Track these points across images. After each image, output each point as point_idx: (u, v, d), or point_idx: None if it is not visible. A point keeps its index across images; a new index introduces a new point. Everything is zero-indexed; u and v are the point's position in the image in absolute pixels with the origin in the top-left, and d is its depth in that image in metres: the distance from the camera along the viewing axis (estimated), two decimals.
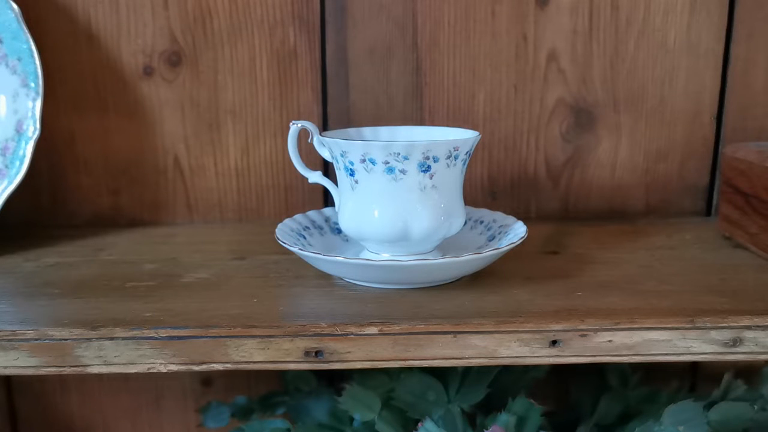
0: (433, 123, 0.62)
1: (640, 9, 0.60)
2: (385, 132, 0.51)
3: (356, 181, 0.45)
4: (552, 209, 0.64)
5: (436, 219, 0.45)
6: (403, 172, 0.43)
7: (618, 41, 0.61)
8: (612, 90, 0.62)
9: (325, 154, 0.48)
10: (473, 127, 0.61)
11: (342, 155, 0.45)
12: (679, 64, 0.62)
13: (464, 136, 0.46)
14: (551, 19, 0.60)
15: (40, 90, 0.55)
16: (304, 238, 0.50)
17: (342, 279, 0.47)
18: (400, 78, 0.61)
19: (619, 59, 0.61)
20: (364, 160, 0.44)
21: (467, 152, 0.46)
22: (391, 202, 0.44)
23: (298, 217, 0.52)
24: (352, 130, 0.51)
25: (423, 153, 0.43)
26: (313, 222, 0.52)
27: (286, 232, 0.49)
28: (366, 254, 0.48)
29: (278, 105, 0.62)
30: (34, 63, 0.55)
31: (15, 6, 0.55)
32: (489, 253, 0.44)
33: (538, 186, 0.64)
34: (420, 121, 0.62)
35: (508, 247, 0.45)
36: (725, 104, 0.62)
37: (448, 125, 0.62)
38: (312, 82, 0.61)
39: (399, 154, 0.43)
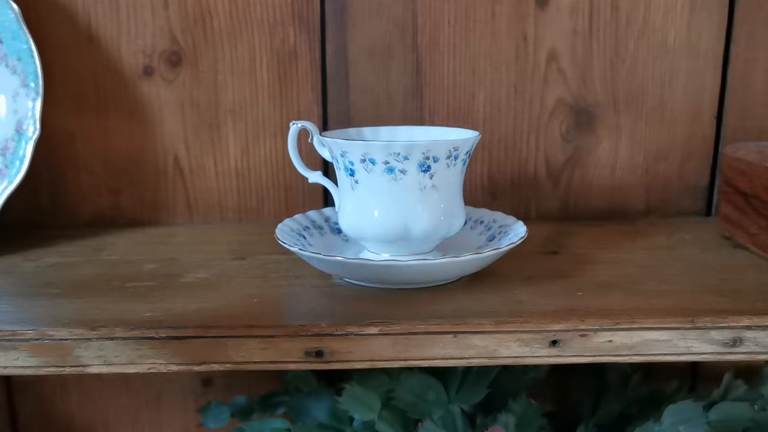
0: (433, 123, 0.62)
1: (640, 9, 0.60)
2: (385, 132, 0.51)
3: (356, 181, 0.45)
4: (552, 209, 0.64)
5: (436, 219, 0.45)
6: (403, 172, 0.43)
7: (618, 41, 0.61)
8: (612, 90, 0.62)
9: (325, 154, 0.48)
10: (473, 127, 0.61)
11: (342, 155, 0.45)
12: (679, 64, 0.62)
13: (464, 136, 0.46)
14: (551, 19, 0.60)
15: (40, 90, 0.55)
16: (304, 238, 0.50)
17: (342, 279, 0.47)
18: (400, 78, 0.61)
19: (619, 59, 0.61)
20: (364, 160, 0.44)
21: (467, 152, 0.46)
22: (391, 202, 0.44)
23: (298, 217, 0.52)
24: (352, 130, 0.51)
25: (423, 153, 0.43)
26: (313, 222, 0.52)
27: (286, 232, 0.49)
28: (366, 254, 0.48)
29: (278, 105, 0.62)
30: (34, 63, 0.55)
31: (15, 6, 0.55)
32: (489, 253, 0.44)
33: (538, 186, 0.64)
34: (420, 121, 0.62)
35: (508, 247, 0.45)
36: (725, 104, 0.62)
37: (448, 125, 0.62)
38: (312, 82, 0.61)
39: (399, 154, 0.43)
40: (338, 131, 0.50)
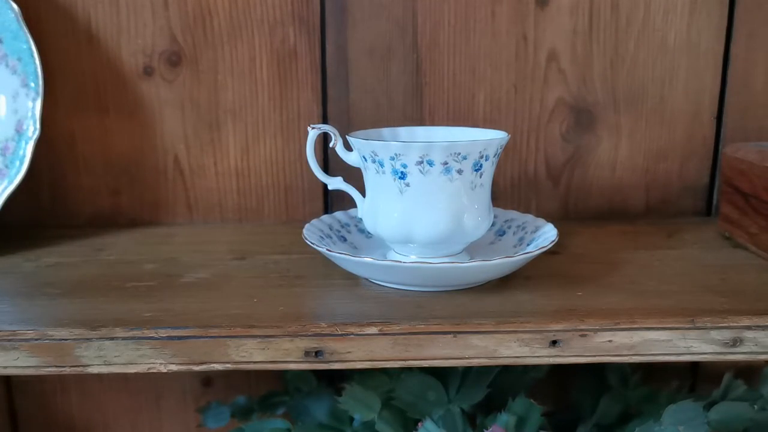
0: (433, 123, 0.62)
1: (640, 9, 0.60)
2: (403, 132, 0.51)
3: (407, 184, 0.44)
4: (552, 209, 0.64)
5: (486, 216, 0.46)
6: (459, 172, 0.43)
7: (618, 41, 0.61)
8: (612, 90, 0.62)
9: (350, 159, 0.47)
10: (474, 127, 0.61)
11: (393, 158, 0.43)
12: (679, 64, 0.62)
13: (500, 135, 0.46)
14: (551, 19, 0.60)
15: (40, 90, 0.55)
16: (345, 239, 0.51)
17: (341, 279, 0.47)
18: (400, 78, 0.61)
19: (619, 59, 0.61)
20: (421, 162, 0.43)
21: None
22: (448, 202, 0.44)
23: (338, 214, 0.52)
24: (371, 132, 0.50)
25: (480, 152, 0.43)
26: (344, 222, 0.53)
27: (313, 232, 0.49)
28: (393, 255, 0.48)
29: (278, 105, 0.62)
30: (34, 63, 0.55)
31: (15, 6, 0.55)
32: (521, 257, 0.43)
33: (538, 186, 0.64)
34: (420, 121, 0.62)
35: (539, 251, 0.44)
36: (725, 104, 0.62)
37: (448, 125, 0.62)
38: (312, 82, 0.61)
39: (459, 153, 0.43)
40: (359, 133, 0.49)
